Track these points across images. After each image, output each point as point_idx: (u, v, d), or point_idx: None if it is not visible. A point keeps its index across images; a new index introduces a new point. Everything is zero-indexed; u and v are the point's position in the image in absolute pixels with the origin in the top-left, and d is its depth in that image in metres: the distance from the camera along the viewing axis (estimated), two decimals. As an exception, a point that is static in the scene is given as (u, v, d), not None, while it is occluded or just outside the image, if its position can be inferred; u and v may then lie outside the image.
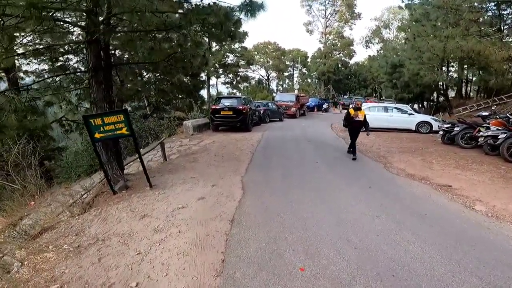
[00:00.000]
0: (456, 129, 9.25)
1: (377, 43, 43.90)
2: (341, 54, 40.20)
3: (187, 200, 5.07)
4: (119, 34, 7.70)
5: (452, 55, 9.98)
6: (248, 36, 38.28)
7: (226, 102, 12.67)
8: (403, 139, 11.59)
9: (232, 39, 6.98)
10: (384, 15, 42.34)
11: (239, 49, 39.15)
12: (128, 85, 15.16)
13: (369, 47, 45.06)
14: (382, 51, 42.79)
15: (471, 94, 24.14)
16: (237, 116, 12.33)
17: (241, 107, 12.35)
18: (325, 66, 38.36)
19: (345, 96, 43.97)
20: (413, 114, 14.28)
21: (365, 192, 5.45)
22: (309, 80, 46.53)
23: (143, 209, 4.84)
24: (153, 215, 4.61)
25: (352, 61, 44.17)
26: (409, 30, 20.68)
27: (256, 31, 78.22)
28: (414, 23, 20.46)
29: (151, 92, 16.69)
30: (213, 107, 12.70)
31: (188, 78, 18.40)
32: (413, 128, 13.94)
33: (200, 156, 8.37)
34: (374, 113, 14.64)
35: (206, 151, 8.99)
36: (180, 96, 19.39)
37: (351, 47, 39.81)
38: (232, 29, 6.95)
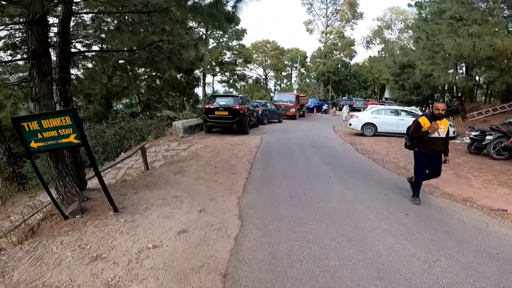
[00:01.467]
0: (489, 137, 7.98)
1: (378, 44, 42.79)
2: (341, 54, 38.94)
3: (162, 234, 3.68)
4: (84, 17, 6.26)
5: (482, 54, 8.69)
6: (246, 33, 37.08)
7: (221, 101, 11.27)
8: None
9: (230, 22, 5.57)
10: (387, 15, 41.23)
11: (237, 46, 37.79)
12: (114, 81, 13.68)
13: (369, 48, 44.02)
14: (384, 52, 41.65)
15: (477, 97, 23.09)
16: (233, 117, 10.95)
17: (237, 107, 10.96)
18: (325, 66, 37.08)
19: (343, 97, 42.79)
20: (426, 118, 13.01)
21: (402, 222, 4.10)
22: (308, 80, 45.24)
23: (97, 246, 3.44)
24: (110, 257, 3.22)
25: (352, 62, 43.02)
26: (418, 29, 19.48)
27: (254, 29, 76.78)
28: (424, 22, 19.30)
29: (140, 89, 15.19)
30: (207, 106, 11.29)
31: (181, 74, 17.01)
32: (426, 134, 12.67)
33: (188, 165, 6.96)
34: (383, 116, 13.42)
35: (196, 159, 7.59)
36: (173, 94, 17.95)
37: (352, 47, 38.61)
38: (231, 9, 5.57)
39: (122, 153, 9.25)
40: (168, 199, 4.86)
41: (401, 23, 39.38)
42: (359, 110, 35.34)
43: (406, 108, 15.19)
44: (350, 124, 14.01)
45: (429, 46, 14.41)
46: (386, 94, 42.71)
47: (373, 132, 13.28)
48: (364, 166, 7.45)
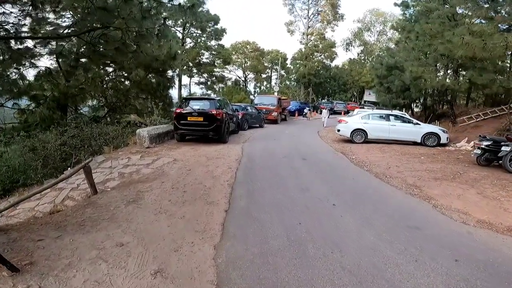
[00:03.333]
0: (505, 148, 6.96)
1: (358, 46, 42.67)
2: (322, 56, 38.26)
3: None
4: None
5: (492, 53, 7.80)
6: (226, 33, 35.50)
7: (196, 105, 9.61)
8: (419, 156, 9.25)
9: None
10: (367, 17, 41.15)
11: (216, 46, 36.07)
12: (69, 82, 11.69)
13: (349, 50, 43.75)
14: (363, 54, 41.55)
15: (460, 101, 22.95)
16: (209, 123, 9.32)
17: (214, 112, 9.35)
18: (306, 68, 36.18)
19: (323, 100, 42.22)
20: (418, 124, 12.14)
21: (458, 274, 2.87)
22: (288, 83, 44.30)
23: None
24: None
25: (332, 64, 42.51)
26: (403, 30, 18.90)
27: (235, 30, 75.24)
28: (408, 22, 18.75)
29: (105, 91, 13.23)
30: (178, 111, 9.56)
31: (152, 75, 15.20)
32: (419, 140, 11.81)
33: (148, 189, 5.33)
34: (373, 121, 12.38)
35: (161, 179, 5.95)
36: (142, 96, 16.03)
37: (333, 49, 38.07)
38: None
39: (69, 169, 7.42)
40: (108, 249, 3.26)
41: (380, 25, 39.52)
42: (340, 113, 34.92)
43: (394, 112, 14.32)
44: (338, 130, 12.85)
45: (419, 47, 13.61)
46: (365, 97, 42.69)
47: (363, 139, 12.21)
48: (369, 184, 6.16)
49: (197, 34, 35.59)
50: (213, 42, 35.96)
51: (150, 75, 14.84)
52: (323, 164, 7.95)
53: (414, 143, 11.77)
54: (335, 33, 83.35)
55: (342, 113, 34.81)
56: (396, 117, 12.56)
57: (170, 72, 16.36)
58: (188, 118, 9.28)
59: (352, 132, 12.30)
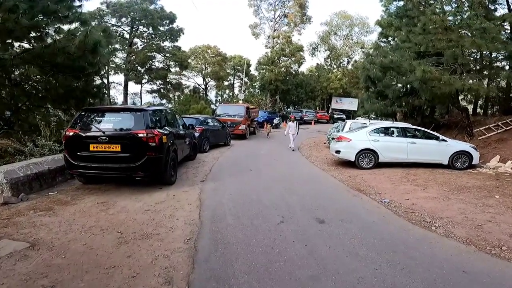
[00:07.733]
0: None
1: (324, 51, 40.47)
2: (290, 61, 35.22)
3: None
4: None
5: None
6: (183, 34, 30.81)
7: (107, 122, 5.04)
8: (487, 193, 5.82)
9: None
10: (334, 20, 39.16)
11: (170, 48, 31.19)
12: None
13: (315, 55, 41.44)
14: (330, 59, 39.38)
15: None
16: (133, 155, 4.93)
17: (143, 134, 4.96)
18: (273, 73, 32.73)
19: (288, 109, 39.35)
20: (445, 140, 8.97)
21: None
22: (252, 90, 40.62)
23: None
24: None
25: (300, 69, 39.73)
26: (389, 26, 16.19)
27: (194, 33, 70.19)
28: (395, 17, 16.15)
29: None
30: (70, 133, 4.96)
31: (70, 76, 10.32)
32: (446, 162, 8.74)
33: None
34: (385, 138, 8.97)
35: None
36: (61, 107, 11.02)
37: (301, 53, 35.21)
38: None
39: None
40: None
41: (347, 28, 37.76)
42: (310, 123, 31.83)
43: (399, 124, 10.97)
44: (337, 152, 9.18)
45: (426, 42, 10.63)
46: (333, 105, 40.53)
47: (374, 163, 8.74)
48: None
49: (149, 34, 30.61)
50: (167, 43, 31.15)
51: (59, 76, 10.00)
52: (361, 232, 4.00)
53: (442, 166, 8.65)
54: (301, 37, 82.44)
55: (312, 122, 31.93)
56: (406, 131, 9.29)
57: (92, 74, 11.57)
58: (91, 147, 4.79)
59: (357, 154, 8.75)
